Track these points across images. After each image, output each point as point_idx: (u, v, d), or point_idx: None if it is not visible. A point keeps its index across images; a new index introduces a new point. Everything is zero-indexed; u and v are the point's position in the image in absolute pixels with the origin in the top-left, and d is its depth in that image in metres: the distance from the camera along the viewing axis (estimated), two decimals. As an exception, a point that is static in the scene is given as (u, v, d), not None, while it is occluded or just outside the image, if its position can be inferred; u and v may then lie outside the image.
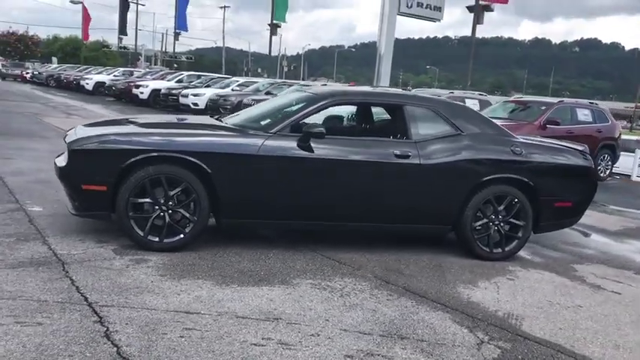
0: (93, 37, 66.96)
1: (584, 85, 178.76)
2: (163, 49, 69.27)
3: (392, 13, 22.33)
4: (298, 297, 3.99)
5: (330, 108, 5.21)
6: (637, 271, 5.47)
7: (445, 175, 5.09)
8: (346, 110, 6.63)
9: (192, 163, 4.57)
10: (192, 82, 25.06)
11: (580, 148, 5.72)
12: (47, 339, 3.01)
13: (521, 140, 5.48)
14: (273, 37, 30.37)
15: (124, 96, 26.27)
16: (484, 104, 14.09)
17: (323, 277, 4.45)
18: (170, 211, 4.65)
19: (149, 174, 4.54)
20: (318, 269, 4.64)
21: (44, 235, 4.81)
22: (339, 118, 6.41)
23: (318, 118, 8.42)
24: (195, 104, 20.29)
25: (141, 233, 4.60)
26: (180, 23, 36.16)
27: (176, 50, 55.55)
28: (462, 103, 6.26)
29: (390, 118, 5.85)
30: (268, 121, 5.04)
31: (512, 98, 15.02)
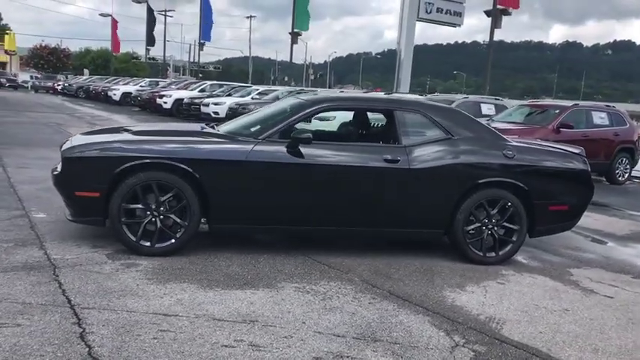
0: (123, 48, 68.56)
1: (617, 88, 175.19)
2: (191, 60, 70.29)
3: (411, 19, 22.37)
4: (279, 300, 4.04)
5: (322, 114, 5.26)
6: (635, 275, 5.37)
7: (435, 179, 5.09)
8: (376, 116, 6.58)
9: (182, 169, 4.67)
10: (214, 91, 25.39)
11: (576, 151, 5.66)
12: (23, 339, 3.12)
13: (514, 144, 5.44)
14: (301, 46, 30.62)
15: (148, 106, 26.78)
16: (500, 108, 13.97)
17: (309, 281, 4.50)
18: (162, 217, 4.76)
19: (140, 180, 4.66)
20: (306, 273, 4.69)
21: (42, 241, 4.96)
22: (351, 124, 6.33)
23: (334, 125, 8.49)
24: (216, 113, 20.54)
25: (133, 238, 4.72)
26: (205, 34, 36.72)
27: (206, 60, 56.66)
28: (454, 107, 6.23)
29: (380, 123, 5.88)
30: (258, 127, 5.12)
31: (527, 102, 14.85)
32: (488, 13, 20.54)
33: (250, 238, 5.61)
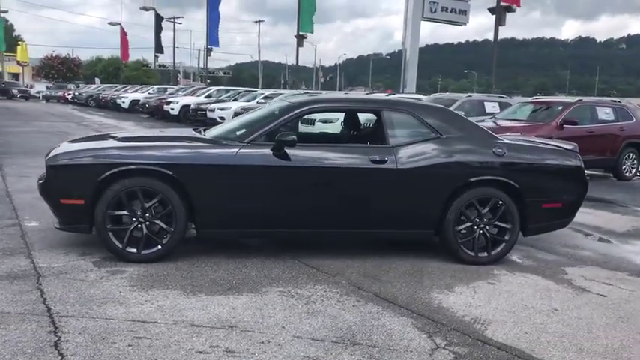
0: (133, 56, 69.16)
1: (631, 82, 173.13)
2: (201, 66, 70.70)
3: (416, 19, 22.31)
4: (262, 305, 4.00)
5: (306, 116, 5.22)
6: (631, 272, 5.26)
7: (423, 179, 5.03)
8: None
9: (165, 174, 4.66)
10: (221, 96, 25.46)
11: (569, 147, 5.56)
12: (-4, 349, 3.11)
13: (505, 141, 5.37)
14: (310, 49, 30.56)
15: (156, 112, 26.94)
16: (504, 106, 13.84)
17: (295, 285, 4.46)
18: (148, 223, 4.74)
19: (125, 187, 4.65)
20: (293, 277, 4.65)
21: (31, 249, 4.98)
22: (358, 124, 6.29)
23: (337, 127, 8.42)
24: (222, 118, 20.55)
25: (119, 245, 4.71)
26: (212, 39, 36.88)
27: (216, 66, 56.86)
28: (442, 106, 6.16)
29: (367, 123, 5.83)
30: (243, 131, 5.10)
31: (530, 99, 14.70)
32: (492, 11, 20.40)
33: (240, 243, 5.58)
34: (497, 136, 5.47)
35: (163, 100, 26.32)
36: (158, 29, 48.94)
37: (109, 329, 3.45)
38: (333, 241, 5.69)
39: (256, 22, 70.66)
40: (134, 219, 4.72)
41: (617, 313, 4.21)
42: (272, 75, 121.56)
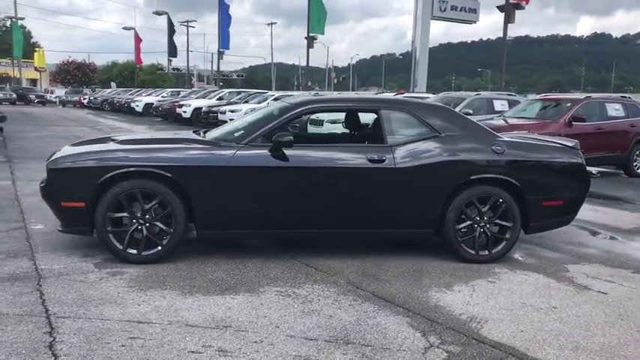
0: (148, 60, 69.70)
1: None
2: (215, 69, 71.09)
3: (425, 18, 22.23)
4: (258, 305, 4.02)
5: (305, 116, 5.23)
6: (636, 270, 5.20)
7: (421, 178, 5.02)
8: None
9: (164, 176, 4.70)
10: (232, 98, 25.57)
11: (570, 144, 5.51)
12: (-9, 349, 3.16)
13: (505, 139, 5.34)
14: (323, 50, 30.60)
15: (169, 115, 27.12)
16: (513, 104, 13.75)
17: (293, 285, 4.47)
18: (147, 225, 4.78)
19: (124, 189, 4.70)
20: (292, 277, 4.66)
21: (34, 252, 5.04)
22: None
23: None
24: (233, 120, 20.68)
25: (120, 246, 4.76)
26: (224, 42, 37.05)
27: (230, 69, 57.10)
28: (440, 104, 6.14)
29: (365, 123, 5.83)
30: (241, 132, 5.12)
31: (539, 96, 14.57)
32: (501, 9, 20.26)
33: (240, 243, 5.61)
34: (496, 133, 5.43)
35: (176, 104, 26.50)
36: (171, 32, 49.27)
37: (104, 330, 3.48)
38: (332, 241, 5.70)
39: (269, 24, 70.72)
40: (134, 220, 4.77)
41: (618, 310, 4.16)
42: (285, 77, 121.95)
